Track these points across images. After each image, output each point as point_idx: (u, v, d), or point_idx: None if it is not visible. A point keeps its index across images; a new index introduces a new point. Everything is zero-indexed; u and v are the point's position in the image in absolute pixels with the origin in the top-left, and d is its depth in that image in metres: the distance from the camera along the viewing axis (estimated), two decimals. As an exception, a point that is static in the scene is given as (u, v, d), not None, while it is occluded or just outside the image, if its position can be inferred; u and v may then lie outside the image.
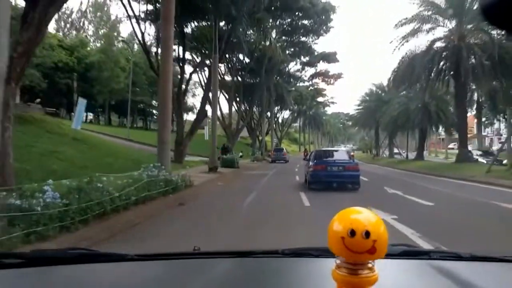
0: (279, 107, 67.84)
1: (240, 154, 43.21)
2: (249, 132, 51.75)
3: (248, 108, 45.13)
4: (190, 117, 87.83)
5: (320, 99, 74.14)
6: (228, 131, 36.72)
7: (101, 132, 38.37)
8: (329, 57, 49.69)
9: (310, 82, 56.43)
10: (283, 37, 41.89)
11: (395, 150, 36.61)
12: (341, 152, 15.56)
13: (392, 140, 36.76)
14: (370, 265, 0.68)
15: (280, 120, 73.37)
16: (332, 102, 76.58)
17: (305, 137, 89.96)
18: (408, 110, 27.93)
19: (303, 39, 42.13)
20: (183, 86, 25.11)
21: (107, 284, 1.17)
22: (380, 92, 37.62)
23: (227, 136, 37.36)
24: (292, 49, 47.22)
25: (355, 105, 42.25)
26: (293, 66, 49.65)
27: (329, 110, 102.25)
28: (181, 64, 24.84)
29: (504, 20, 0.60)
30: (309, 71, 55.98)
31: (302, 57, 49.65)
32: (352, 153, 15.98)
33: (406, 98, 29.46)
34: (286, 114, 73.91)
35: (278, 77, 47.30)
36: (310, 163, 13.70)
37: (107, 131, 39.92)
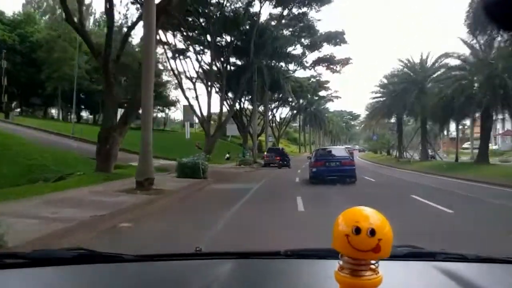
0: (277, 103, 59.09)
1: (227, 155, 34.11)
2: (239, 130, 42.64)
3: (238, 98, 36.18)
4: (177, 115, 77.41)
5: (322, 93, 65.11)
6: (205, 127, 27.61)
7: (40, 128, 29.37)
8: (336, 38, 40.52)
9: (312, 70, 47.09)
10: (278, 9, 32.98)
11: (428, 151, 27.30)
12: (338, 149, 16.66)
13: (426, 136, 27.43)
14: (373, 266, 0.66)
15: (277, 117, 64.47)
16: (336, 97, 67.17)
17: (305, 137, 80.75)
18: (469, 87, 18.69)
19: (303, 10, 33.12)
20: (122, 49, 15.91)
21: (108, 284, 1.15)
22: (408, 71, 28.03)
23: (205, 133, 28.29)
24: (290, 29, 38.28)
25: (372, 92, 33.25)
26: (291, 51, 40.55)
27: (332, 107, 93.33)
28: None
29: (506, 19, 0.59)
30: (311, 56, 47.20)
31: (302, 39, 40.72)
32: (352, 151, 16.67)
33: (463, 72, 20.06)
34: (284, 113, 65.27)
35: (274, 62, 38.18)
36: (312, 160, 15.28)
37: (60, 128, 30.75)
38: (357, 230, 0.62)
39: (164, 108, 55.76)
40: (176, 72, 28.86)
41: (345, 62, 44.81)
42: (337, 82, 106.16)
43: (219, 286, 1.07)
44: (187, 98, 28.37)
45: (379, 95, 33.16)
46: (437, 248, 1.30)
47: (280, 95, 55.30)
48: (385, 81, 32.32)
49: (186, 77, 31.86)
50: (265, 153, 30.22)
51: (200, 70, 30.21)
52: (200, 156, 15.93)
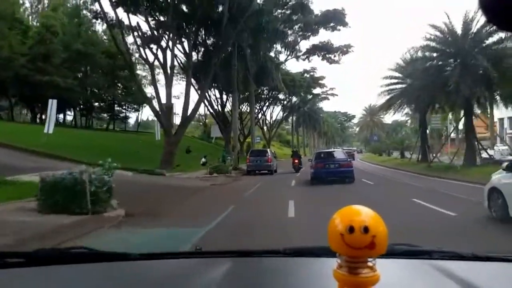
0: (267, 102, 51.28)
1: (203, 160, 25.91)
2: (221, 130, 34.71)
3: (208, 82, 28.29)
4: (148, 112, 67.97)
5: (317, 90, 57.16)
6: (163, 121, 19.61)
7: None
8: (334, 18, 32.83)
9: (306, 61, 39.19)
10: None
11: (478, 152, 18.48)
12: (337, 152, 16.72)
13: (474, 131, 19.04)
14: (371, 264, 0.65)
15: (268, 117, 56.53)
16: (332, 94, 58.90)
17: (298, 139, 72.65)
18: None
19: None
20: None
21: (109, 283, 1.13)
22: (443, 40, 19.40)
23: (164, 131, 20.27)
24: (280, 11, 30.43)
25: (383, 77, 25.24)
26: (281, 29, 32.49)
27: (326, 107, 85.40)
28: None
29: (504, 18, 0.59)
30: (305, 44, 39.40)
31: (294, 24, 32.88)
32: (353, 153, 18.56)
33: None
34: (275, 114, 57.44)
35: (259, 47, 30.15)
36: (312, 162, 15.30)
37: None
38: (351, 229, 0.61)
39: (139, 106, 47.48)
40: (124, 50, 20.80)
41: (345, 49, 37.00)
42: (331, 80, 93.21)
43: (219, 284, 1.04)
44: (141, 89, 20.27)
45: (394, 80, 25.12)
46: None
47: (270, 92, 47.67)
48: (402, 63, 24.41)
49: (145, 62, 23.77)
50: (248, 156, 22.17)
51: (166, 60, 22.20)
52: (105, 165, 7.86)
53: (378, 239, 0.62)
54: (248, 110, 41.34)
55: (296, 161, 22.64)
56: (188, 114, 20.34)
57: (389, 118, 73.65)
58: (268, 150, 23.46)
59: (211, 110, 34.64)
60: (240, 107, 45.94)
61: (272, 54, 34.55)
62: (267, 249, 1.31)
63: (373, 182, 14.69)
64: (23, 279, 1.11)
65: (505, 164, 6.82)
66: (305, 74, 49.50)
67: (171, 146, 19.45)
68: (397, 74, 25.38)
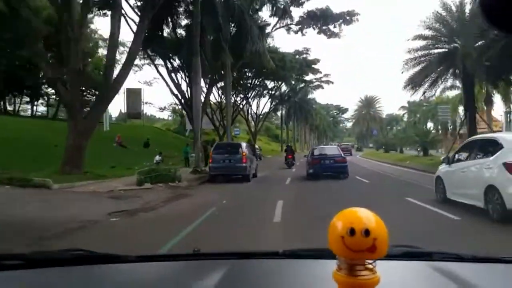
0: (254, 91, 43.42)
1: (157, 157, 17.85)
2: (190, 119, 26.64)
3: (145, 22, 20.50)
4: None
5: (310, 77, 49.21)
6: (63, 92, 11.53)
7: None
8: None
9: (299, 33, 31.29)
10: None
11: None
12: (332, 148, 17.03)
13: None
14: (370, 266, 0.65)
15: (254, 108, 48.59)
16: (327, 81, 50.89)
17: (288, 133, 64.86)
18: None
19: None
20: None
21: (107, 285, 1.12)
22: None
23: (67, 111, 12.23)
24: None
25: (413, 38, 17.20)
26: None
27: (318, 99, 77.55)
28: None
29: (504, 21, 0.59)
30: (298, 12, 31.43)
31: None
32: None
33: None
34: (263, 106, 49.60)
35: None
36: (309, 158, 15.57)
37: None
38: (352, 231, 0.61)
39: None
40: None
41: (348, 18, 29.27)
42: (325, 67, 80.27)
43: (217, 286, 1.02)
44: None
45: (428, 42, 17.08)
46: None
47: (256, 79, 39.82)
48: (445, 13, 16.43)
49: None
50: (211, 153, 14.27)
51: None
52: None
53: (379, 242, 0.60)
54: (233, 100, 33.55)
55: (290, 156, 22.75)
56: (113, 80, 12.22)
57: (412, 97, 64.34)
58: (243, 144, 15.47)
59: (177, 93, 26.53)
60: (220, 94, 38.32)
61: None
62: (265, 251, 1.30)
63: (458, 216, 6.84)
64: (21, 282, 1.09)
65: (442, 157, 9.12)
66: (297, 56, 41.80)
67: (79, 136, 11.44)
68: (424, 33, 17.21)
